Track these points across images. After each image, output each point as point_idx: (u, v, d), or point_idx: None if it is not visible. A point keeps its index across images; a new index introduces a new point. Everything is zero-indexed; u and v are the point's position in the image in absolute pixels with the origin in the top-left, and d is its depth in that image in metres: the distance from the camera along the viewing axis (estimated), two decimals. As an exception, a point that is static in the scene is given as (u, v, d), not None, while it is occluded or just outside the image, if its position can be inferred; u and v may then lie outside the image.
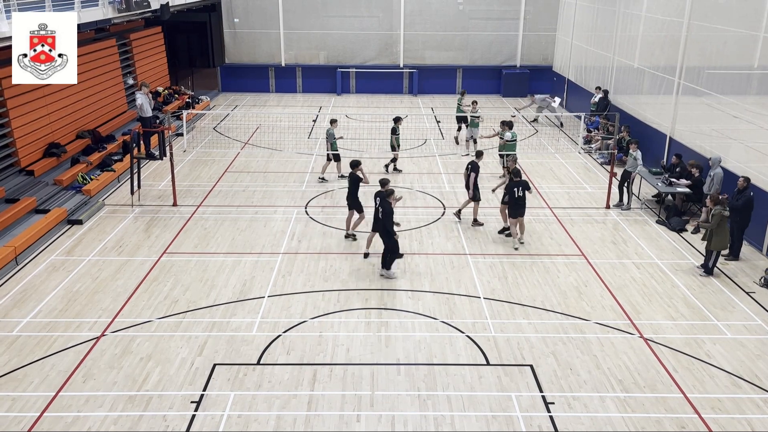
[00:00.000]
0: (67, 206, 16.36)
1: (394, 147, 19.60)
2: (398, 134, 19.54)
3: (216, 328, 11.47)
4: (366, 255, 14.24)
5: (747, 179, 14.09)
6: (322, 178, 19.36)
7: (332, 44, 32.04)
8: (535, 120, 26.93)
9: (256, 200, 17.70)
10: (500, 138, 19.02)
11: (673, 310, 12.24)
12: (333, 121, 19.37)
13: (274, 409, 9.37)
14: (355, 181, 14.91)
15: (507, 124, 18.90)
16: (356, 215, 15.13)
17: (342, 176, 19.32)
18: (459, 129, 23.33)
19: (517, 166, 15.54)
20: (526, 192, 14.70)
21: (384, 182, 13.82)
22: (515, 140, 18.83)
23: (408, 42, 32.04)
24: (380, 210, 13.24)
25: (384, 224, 13.13)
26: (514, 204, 14.66)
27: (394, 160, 19.92)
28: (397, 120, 19.53)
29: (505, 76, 31.86)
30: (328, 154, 19.34)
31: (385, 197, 13.29)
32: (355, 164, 15.14)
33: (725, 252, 14.14)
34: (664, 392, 9.87)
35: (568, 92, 29.20)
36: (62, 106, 19.46)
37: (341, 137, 20.18)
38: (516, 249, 14.65)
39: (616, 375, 10.25)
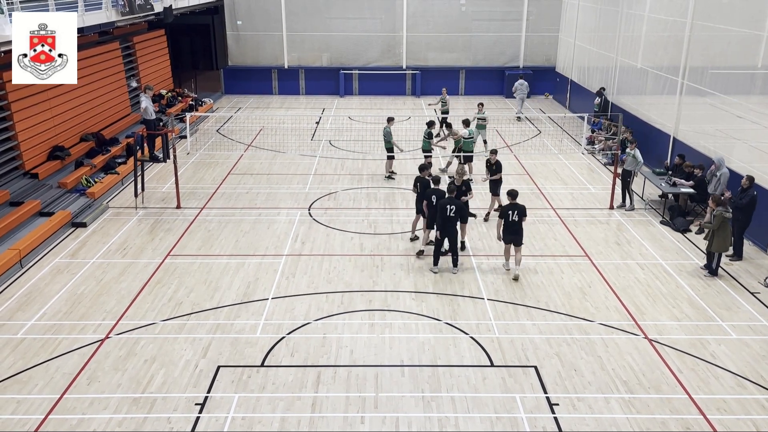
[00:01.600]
0: (71, 209, 16.40)
1: (428, 150, 19.43)
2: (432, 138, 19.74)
3: (220, 330, 11.49)
4: (420, 252, 14.42)
5: (751, 178, 14.05)
6: (391, 174, 19.63)
7: (335, 46, 32.08)
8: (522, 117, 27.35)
9: (260, 202, 17.71)
10: (454, 136, 19.60)
11: (678, 311, 12.21)
12: (390, 119, 19.56)
13: (278, 411, 9.38)
14: (424, 185, 14.59)
15: (464, 122, 19.39)
16: (421, 218, 14.80)
17: (389, 175, 19.59)
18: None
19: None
20: (523, 218, 13.24)
21: (436, 180, 14.01)
22: (472, 137, 19.23)
23: (411, 43, 32.06)
24: (451, 208, 13.09)
25: (456, 222, 13.32)
26: (507, 230, 13.34)
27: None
28: (430, 124, 19.71)
29: (508, 77, 31.84)
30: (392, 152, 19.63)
31: (456, 200, 13.37)
32: (423, 168, 15.02)
33: (729, 253, 14.11)
34: (669, 393, 9.84)
35: (571, 93, 29.18)
36: (66, 109, 19.52)
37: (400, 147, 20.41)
38: (515, 279, 13.31)
39: (621, 376, 10.23)
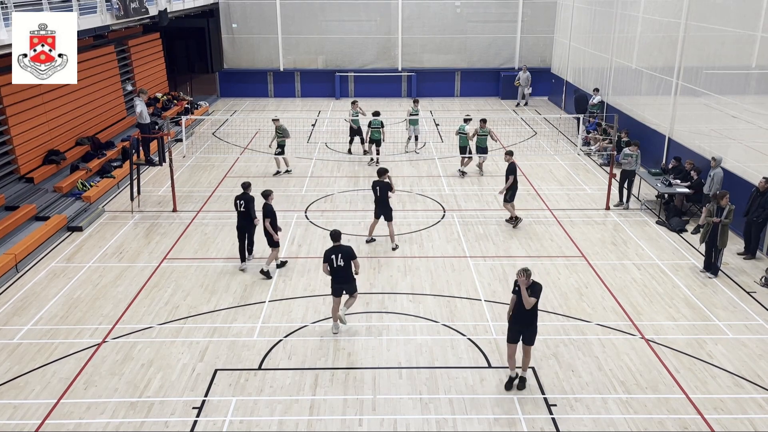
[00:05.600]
0: (67, 213, 16.36)
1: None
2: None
3: (217, 333, 11.46)
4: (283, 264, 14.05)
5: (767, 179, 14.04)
6: (463, 172, 20.04)
7: (331, 48, 32.11)
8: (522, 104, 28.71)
9: (256, 205, 17.60)
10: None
11: (675, 311, 12.23)
12: (469, 120, 20.23)
13: (276, 414, 9.36)
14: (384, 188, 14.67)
15: (374, 113, 20.85)
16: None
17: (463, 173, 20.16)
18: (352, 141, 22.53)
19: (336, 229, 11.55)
20: (351, 261, 11.15)
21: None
22: (378, 127, 20.64)
23: (406, 45, 32.10)
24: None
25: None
26: (334, 278, 11.22)
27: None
28: (468, 120, 20.31)
29: (503, 79, 31.91)
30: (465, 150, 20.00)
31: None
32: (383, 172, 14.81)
33: (741, 252, 14.43)
34: (667, 393, 9.86)
35: (566, 94, 29.23)
36: (61, 113, 19.47)
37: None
38: (341, 322, 11.48)
39: (618, 376, 10.24)
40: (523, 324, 9.63)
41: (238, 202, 13.74)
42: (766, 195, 13.92)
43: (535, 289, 9.43)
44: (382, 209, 14.72)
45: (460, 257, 14.45)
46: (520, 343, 9.76)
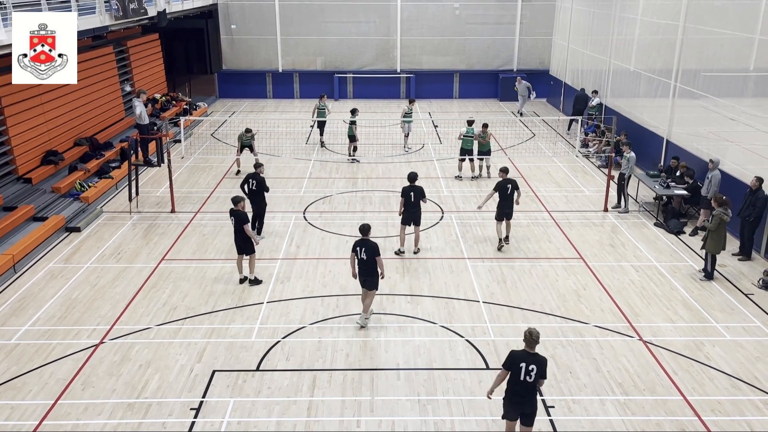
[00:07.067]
0: (65, 213, 16.35)
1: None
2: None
3: (215, 334, 11.46)
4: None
5: (760, 179, 14.04)
6: (476, 176, 20.17)
7: (329, 50, 32.12)
8: (521, 114, 28.12)
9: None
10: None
11: (672, 313, 12.25)
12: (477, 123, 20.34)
13: (274, 415, 9.36)
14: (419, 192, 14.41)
15: (352, 111, 21.87)
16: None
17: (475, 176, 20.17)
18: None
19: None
20: (375, 257, 11.43)
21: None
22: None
23: (405, 47, 32.12)
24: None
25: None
26: (359, 270, 11.53)
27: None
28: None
29: (502, 80, 31.94)
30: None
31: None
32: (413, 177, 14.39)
33: (735, 252, 14.40)
34: (664, 395, 9.87)
35: (565, 96, 29.26)
36: (60, 114, 19.45)
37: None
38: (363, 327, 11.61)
39: (616, 378, 10.26)
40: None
41: (250, 180, 14.77)
42: (757, 193, 13.98)
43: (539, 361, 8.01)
44: (414, 215, 14.39)
45: (459, 259, 14.46)
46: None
